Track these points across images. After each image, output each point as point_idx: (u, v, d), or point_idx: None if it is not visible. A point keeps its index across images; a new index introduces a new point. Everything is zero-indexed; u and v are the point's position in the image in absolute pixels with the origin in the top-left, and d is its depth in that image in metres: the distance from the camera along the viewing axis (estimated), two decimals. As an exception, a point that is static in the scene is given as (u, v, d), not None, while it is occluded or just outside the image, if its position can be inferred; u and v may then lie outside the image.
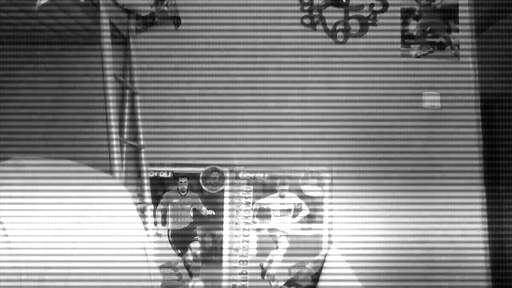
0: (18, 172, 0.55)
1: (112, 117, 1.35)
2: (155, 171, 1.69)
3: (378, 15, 1.70)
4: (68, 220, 0.53)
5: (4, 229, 0.49)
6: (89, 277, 0.53)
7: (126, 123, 1.70)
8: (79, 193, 0.55)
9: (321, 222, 1.64)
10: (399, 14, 1.70)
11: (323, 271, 1.58)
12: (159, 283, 0.62)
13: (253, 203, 1.66)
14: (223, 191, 1.67)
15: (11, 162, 0.57)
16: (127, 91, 1.70)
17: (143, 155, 1.68)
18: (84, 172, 0.59)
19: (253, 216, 1.66)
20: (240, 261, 1.65)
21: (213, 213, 1.67)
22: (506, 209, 1.83)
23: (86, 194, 0.56)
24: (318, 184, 1.65)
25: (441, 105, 1.66)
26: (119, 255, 0.56)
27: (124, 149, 1.67)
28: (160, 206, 1.68)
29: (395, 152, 1.64)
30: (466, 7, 1.71)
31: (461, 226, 1.61)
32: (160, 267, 1.64)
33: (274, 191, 1.66)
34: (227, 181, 1.67)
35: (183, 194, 1.68)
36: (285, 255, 1.64)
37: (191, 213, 1.67)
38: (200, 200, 1.67)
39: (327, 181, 1.65)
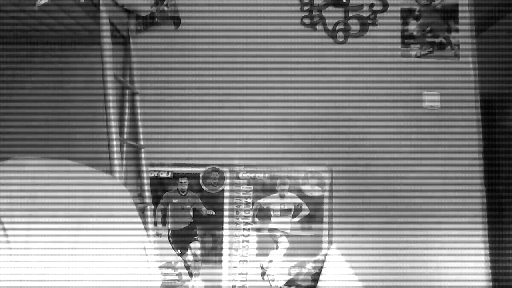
0: (18, 172, 0.55)
1: (112, 117, 1.35)
2: (155, 171, 1.69)
3: (378, 15, 1.70)
4: (68, 220, 0.53)
5: (4, 229, 0.49)
6: (89, 277, 0.53)
7: (126, 123, 1.70)
8: (79, 193, 0.55)
9: (321, 222, 1.64)
10: (399, 14, 1.70)
11: (323, 271, 1.58)
12: (159, 283, 0.62)
13: (253, 203, 1.66)
14: (223, 191, 1.67)
15: (11, 162, 0.57)
16: (127, 91, 1.70)
17: (143, 155, 1.68)
18: (84, 172, 0.59)
19: (253, 216, 1.66)
20: (240, 261, 1.65)
21: (213, 213, 1.67)
22: (506, 209, 1.83)
23: (86, 194, 0.56)
24: (318, 184, 1.65)
25: (441, 105, 1.66)
26: (119, 255, 0.56)
27: (124, 149, 1.67)
28: (160, 206, 1.68)
29: (395, 152, 1.64)
30: (466, 7, 1.71)
31: (460, 226, 1.61)
32: (160, 267, 1.64)
33: (274, 191, 1.66)
34: (227, 181, 1.67)
35: (183, 194, 1.68)
36: (285, 255, 1.64)
37: (191, 213, 1.67)
38: (200, 200, 1.67)
39: (327, 181, 1.65)
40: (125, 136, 1.69)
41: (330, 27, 1.70)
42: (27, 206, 0.51)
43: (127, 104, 1.71)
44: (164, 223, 1.68)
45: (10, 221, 0.50)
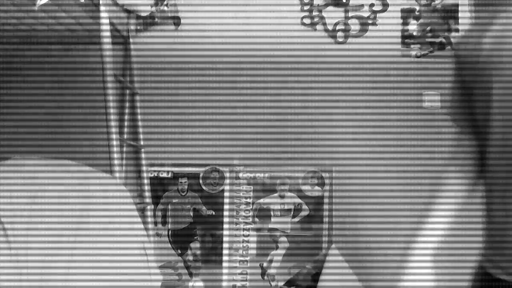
0: (18, 172, 0.55)
1: (112, 117, 1.35)
2: (155, 171, 1.69)
3: (378, 15, 1.70)
4: (68, 220, 0.53)
5: (4, 229, 0.49)
6: (88, 277, 0.53)
7: (126, 123, 1.70)
8: (79, 193, 0.55)
9: (321, 222, 1.64)
10: (399, 14, 1.70)
11: (323, 271, 1.58)
12: (159, 283, 0.62)
13: (253, 203, 1.66)
14: (223, 191, 1.67)
15: (11, 162, 0.57)
16: (127, 91, 1.70)
17: (143, 155, 1.68)
18: (84, 172, 0.59)
19: (253, 216, 1.66)
20: (240, 261, 1.65)
21: (213, 213, 1.67)
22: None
23: (86, 194, 0.56)
24: (318, 184, 1.65)
25: (441, 105, 1.66)
26: (119, 255, 0.56)
27: (124, 149, 1.67)
28: (160, 206, 1.68)
29: (395, 151, 1.64)
30: (466, 7, 1.71)
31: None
32: (160, 267, 1.64)
33: (274, 191, 1.66)
34: (227, 181, 1.67)
35: (183, 194, 1.68)
36: (285, 255, 1.64)
37: (191, 213, 1.67)
38: (200, 200, 1.67)
39: (327, 181, 1.65)
40: (125, 136, 1.69)
41: (330, 27, 1.70)
42: (27, 206, 0.51)
43: (127, 104, 1.71)
44: (164, 223, 1.68)
45: (10, 221, 0.50)
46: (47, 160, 0.59)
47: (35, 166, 0.58)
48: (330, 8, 1.71)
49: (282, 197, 1.66)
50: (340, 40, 1.70)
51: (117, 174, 1.33)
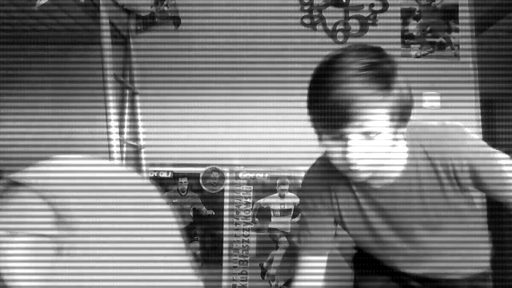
0: (65, 172, 0.55)
1: (112, 117, 1.35)
2: (155, 171, 1.69)
3: (378, 15, 1.70)
4: (126, 220, 0.53)
5: (70, 229, 0.49)
6: (137, 277, 0.52)
7: (126, 123, 1.70)
8: (129, 193, 0.55)
9: (321, 222, 1.63)
10: (399, 14, 1.70)
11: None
12: (202, 283, 0.60)
13: (253, 203, 1.66)
14: (223, 191, 1.67)
15: (55, 162, 0.56)
16: (127, 91, 1.70)
17: (143, 155, 1.68)
18: (124, 172, 0.58)
19: (253, 216, 1.66)
20: (240, 261, 1.65)
21: (213, 213, 1.67)
22: (506, 209, 1.83)
23: (136, 194, 0.56)
24: (318, 184, 1.65)
25: (441, 105, 1.66)
26: (172, 255, 0.56)
27: (124, 149, 1.67)
28: (160, 206, 1.68)
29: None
30: (466, 7, 1.71)
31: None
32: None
33: (274, 191, 1.66)
34: (227, 181, 1.67)
35: (183, 194, 1.68)
36: (285, 255, 1.64)
37: (191, 213, 1.67)
38: (200, 200, 1.67)
39: (327, 181, 1.65)
40: (125, 136, 1.69)
41: (330, 27, 1.70)
42: (92, 206, 0.51)
43: (127, 104, 1.71)
44: (164, 223, 1.68)
45: (84, 221, 0.49)
46: (88, 159, 0.59)
47: (82, 166, 0.57)
48: (330, 8, 1.71)
49: (282, 197, 1.66)
50: (340, 40, 1.70)
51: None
